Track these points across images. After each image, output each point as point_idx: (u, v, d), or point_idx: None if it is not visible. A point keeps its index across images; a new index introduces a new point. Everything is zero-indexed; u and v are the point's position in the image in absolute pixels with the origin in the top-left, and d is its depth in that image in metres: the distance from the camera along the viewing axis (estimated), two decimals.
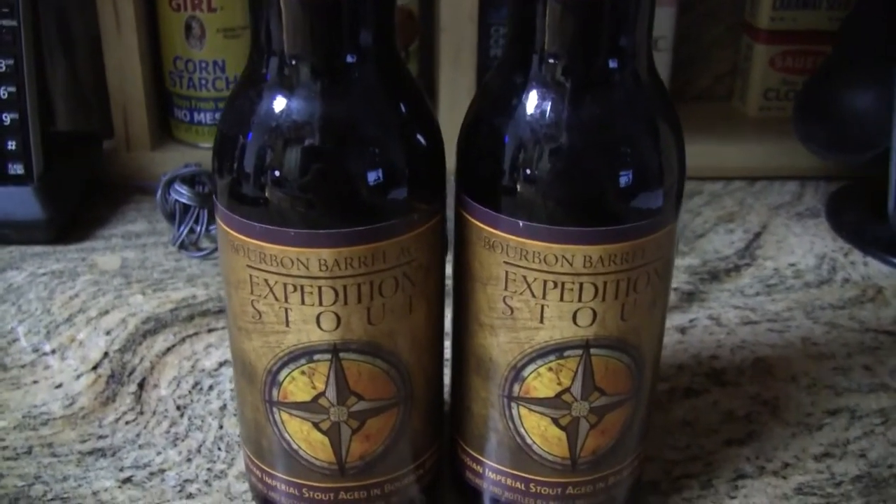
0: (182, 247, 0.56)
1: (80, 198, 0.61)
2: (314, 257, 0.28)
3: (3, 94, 0.54)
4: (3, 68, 0.54)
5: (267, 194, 0.28)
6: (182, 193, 0.55)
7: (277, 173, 0.27)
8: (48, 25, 0.62)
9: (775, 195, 0.66)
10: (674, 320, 0.49)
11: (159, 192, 0.56)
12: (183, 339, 0.47)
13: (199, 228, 0.55)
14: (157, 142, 0.66)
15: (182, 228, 0.55)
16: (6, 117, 0.55)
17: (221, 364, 0.45)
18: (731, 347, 0.47)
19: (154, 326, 0.48)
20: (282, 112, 0.27)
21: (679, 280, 0.53)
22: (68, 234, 0.57)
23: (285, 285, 0.28)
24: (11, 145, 0.55)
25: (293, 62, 0.27)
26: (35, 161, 0.56)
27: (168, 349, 0.46)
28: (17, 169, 0.56)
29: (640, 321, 0.30)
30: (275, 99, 0.27)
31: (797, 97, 0.64)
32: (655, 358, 0.33)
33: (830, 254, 0.57)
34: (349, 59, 0.27)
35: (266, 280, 0.28)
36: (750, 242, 0.59)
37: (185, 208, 0.56)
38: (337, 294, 0.28)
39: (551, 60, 0.28)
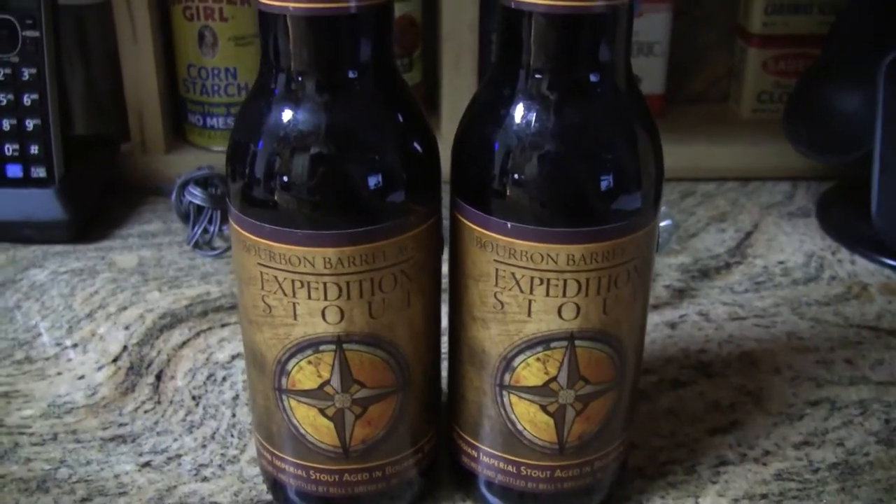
0: (196, 246, 0.58)
1: (98, 199, 0.63)
2: (319, 256, 0.30)
3: (27, 102, 0.57)
4: (27, 77, 0.57)
5: (276, 198, 0.30)
6: (196, 195, 0.57)
7: (285, 179, 0.30)
8: (67, 35, 0.65)
9: (767, 195, 0.68)
10: (664, 316, 0.51)
11: (174, 194, 0.59)
12: (198, 334, 0.49)
13: (212, 228, 0.58)
14: (172, 145, 0.68)
15: (196, 228, 0.58)
16: (29, 123, 0.57)
17: (234, 357, 0.47)
18: (719, 341, 0.49)
19: (170, 321, 0.51)
20: (289, 123, 0.30)
21: (671, 277, 0.56)
22: (88, 233, 0.60)
23: (293, 281, 0.31)
24: (34, 150, 0.58)
25: (299, 78, 0.30)
26: (56, 164, 0.58)
27: (183, 343, 0.49)
28: (39, 172, 0.58)
29: (621, 315, 0.33)
30: (283, 111, 0.30)
31: (788, 99, 0.66)
32: (637, 349, 0.35)
33: (819, 252, 0.59)
34: (350, 74, 0.30)
35: (275, 277, 0.31)
36: (741, 241, 0.61)
37: (199, 209, 0.58)
38: (340, 290, 0.31)
39: (537, 75, 0.30)
